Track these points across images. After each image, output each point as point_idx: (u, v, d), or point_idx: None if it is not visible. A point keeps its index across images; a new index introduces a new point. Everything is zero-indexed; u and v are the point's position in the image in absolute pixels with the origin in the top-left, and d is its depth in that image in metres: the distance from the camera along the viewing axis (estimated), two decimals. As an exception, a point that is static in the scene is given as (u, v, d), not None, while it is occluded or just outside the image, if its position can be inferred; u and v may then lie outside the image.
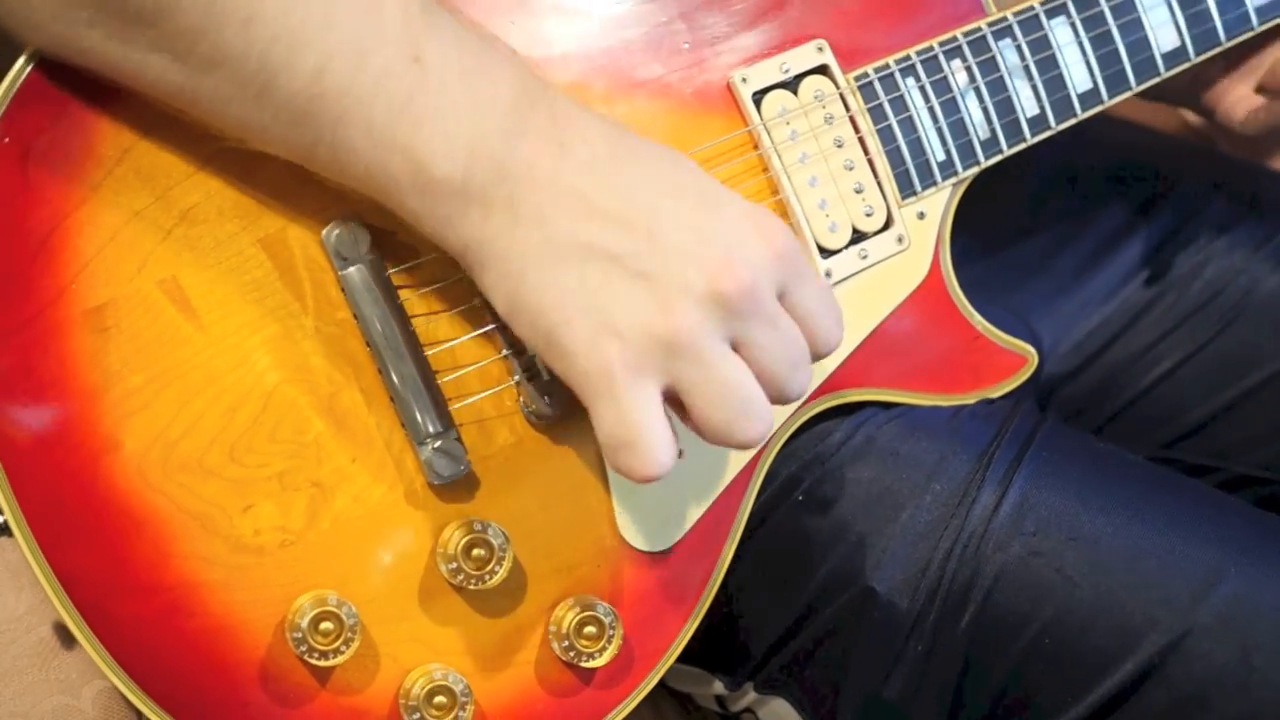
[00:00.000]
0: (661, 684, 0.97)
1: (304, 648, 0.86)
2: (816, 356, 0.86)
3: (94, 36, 0.80)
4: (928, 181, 1.02)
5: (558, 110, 0.82)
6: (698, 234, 0.81)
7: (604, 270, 0.80)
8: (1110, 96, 1.07)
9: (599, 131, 0.83)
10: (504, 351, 0.91)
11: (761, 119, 0.98)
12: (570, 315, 0.80)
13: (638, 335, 0.80)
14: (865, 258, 1.01)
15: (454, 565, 0.89)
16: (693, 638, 0.97)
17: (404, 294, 0.89)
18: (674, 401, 0.83)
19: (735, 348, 0.82)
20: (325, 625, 0.86)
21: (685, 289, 0.80)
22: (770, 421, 0.84)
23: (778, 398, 0.84)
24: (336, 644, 0.86)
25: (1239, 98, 1.16)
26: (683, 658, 0.98)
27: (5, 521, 0.84)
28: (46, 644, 0.98)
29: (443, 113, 0.80)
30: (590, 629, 0.92)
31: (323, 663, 0.86)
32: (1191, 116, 1.31)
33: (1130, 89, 1.07)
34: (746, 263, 0.81)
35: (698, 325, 0.80)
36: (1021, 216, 1.27)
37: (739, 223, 0.83)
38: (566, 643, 0.92)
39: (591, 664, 0.92)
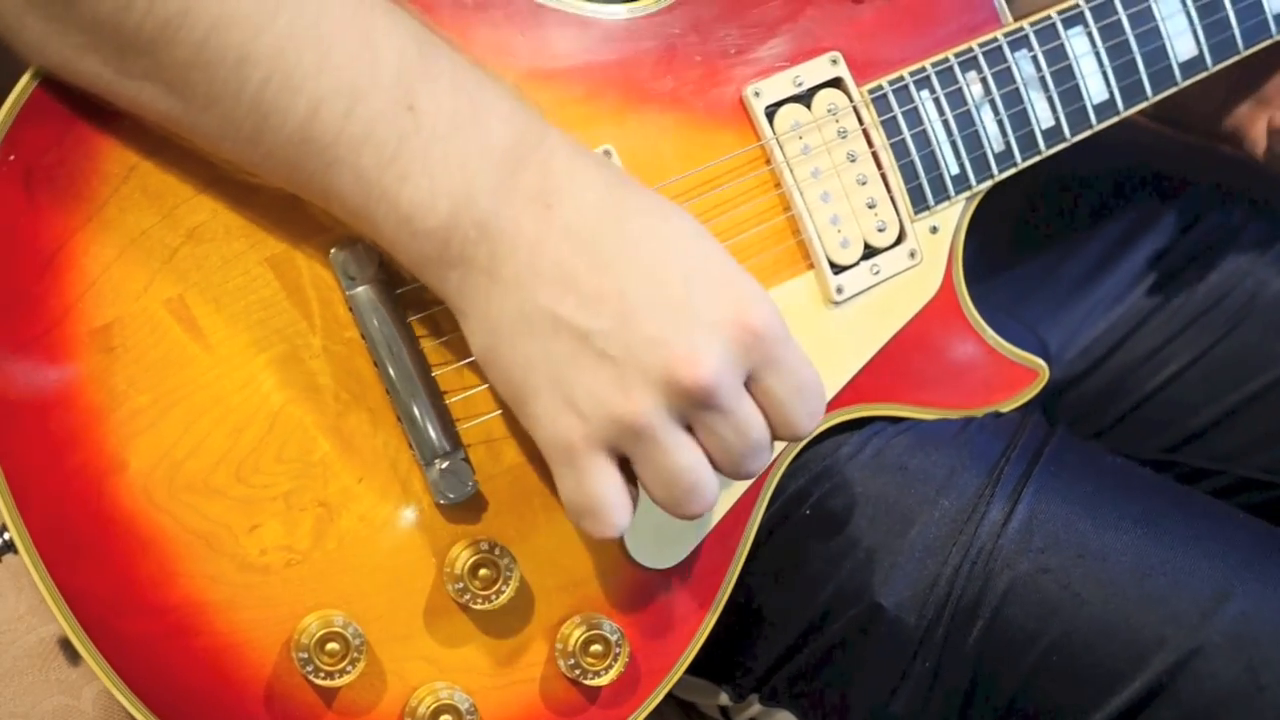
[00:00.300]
0: (667, 693, 0.97)
1: (310, 668, 0.86)
2: (783, 440, 0.85)
3: (91, 62, 0.79)
4: (941, 196, 1.01)
5: (551, 164, 0.81)
6: (668, 320, 0.80)
7: (571, 346, 0.80)
8: (1127, 107, 1.06)
9: (591, 190, 0.81)
10: (512, 371, 0.90)
11: (774, 133, 0.97)
12: (537, 385, 0.81)
13: (596, 413, 0.80)
14: (877, 273, 1.00)
15: (460, 585, 0.89)
16: (699, 648, 0.97)
17: (411, 314, 0.88)
18: (628, 467, 0.84)
19: (690, 429, 0.82)
20: (331, 645, 0.86)
21: (645, 375, 0.80)
22: (716, 496, 0.84)
23: (732, 476, 0.84)
24: (342, 664, 0.86)
25: (1264, 128, 1.14)
26: (688, 668, 0.97)
27: (10, 539, 0.83)
28: (47, 644, 0.98)
29: (430, 167, 0.79)
30: (596, 647, 0.92)
31: (328, 683, 0.86)
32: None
33: (1147, 99, 1.06)
34: (711, 356, 0.80)
35: (653, 412, 0.80)
36: (1027, 221, 1.27)
37: (716, 306, 0.81)
38: (572, 660, 0.92)
39: (597, 681, 0.92)
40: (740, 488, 0.97)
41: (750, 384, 0.82)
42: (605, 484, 0.82)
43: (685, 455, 0.82)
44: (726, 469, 0.84)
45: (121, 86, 0.80)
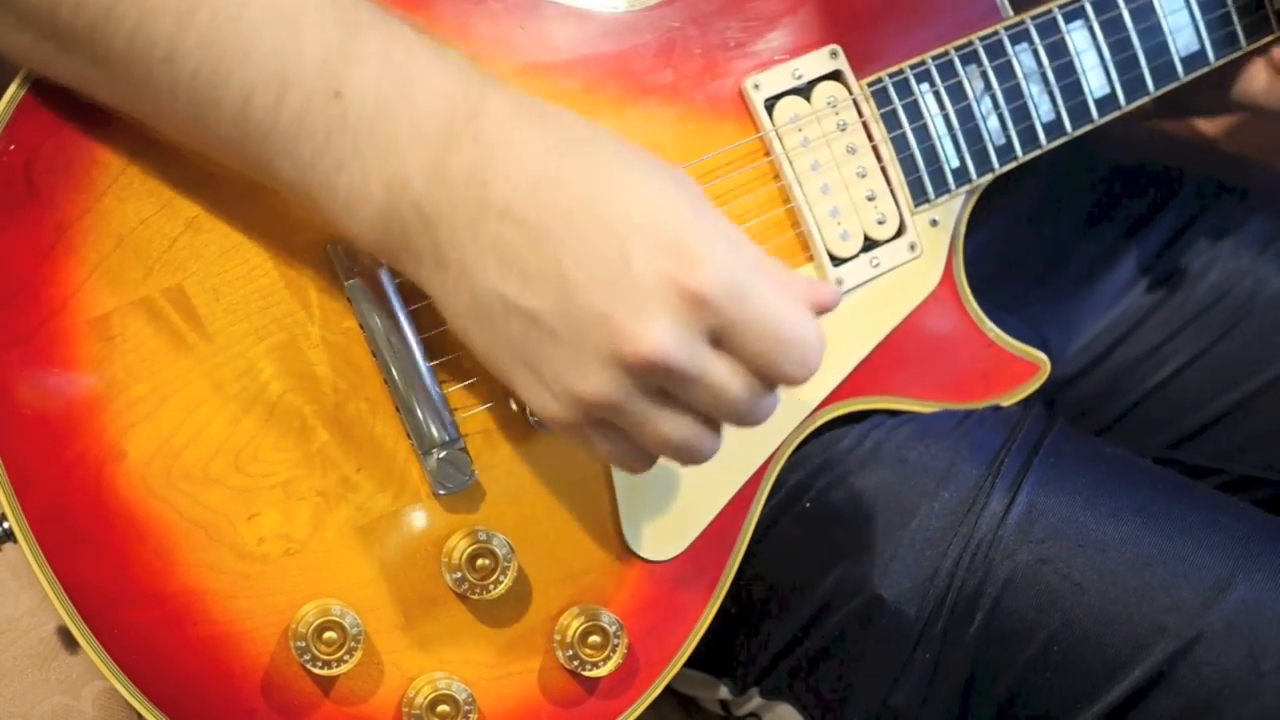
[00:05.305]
0: (666, 687, 0.97)
1: (307, 657, 0.86)
2: (787, 384, 0.81)
3: (39, 56, 0.81)
4: (941, 189, 1.01)
5: (484, 136, 0.77)
6: (608, 293, 0.76)
7: (524, 327, 0.78)
8: (1128, 102, 1.05)
9: (528, 160, 0.77)
10: (510, 361, 0.90)
11: (773, 126, 0.97)
12: (510, 367, 0.80)
13: (564, 394, 0.79)
14: (877, 266, 1.00)
15: (458, 575, 0.89)
16: (699, 641, 0.97)
17: (409, 305, 0.88)
18: None
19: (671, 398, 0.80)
20: (329, 634, 0.86)
21: (595, 354, 0.77)
22: (717, 445, 0.82)
23: (740, 426, 0.82)
24: (340, 653, 0.86)
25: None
26: (688, 662, 0.97)
27: (9, 528, 0.84)
28: (47, 644, 0.98)
29: (361, 153, 0.78)
30: (595, 638, 0.92)
31: (326, 671, 0.86)
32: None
33: (1149, 94, 1.06)
34: (655, 328, 0.76)
35: (613, 391, 0.78)
36: (1027, 219, 1.26)
37: (657, 272, 0.76)
38: (571, 652, 0.92)
39: (595, 673, 0.92)
40: (741, 477, 0.97)
41: (720, 342, 0.78)
42: (611, 445, 0.82)
43: (664, 424, 0.80)
44: (731, 421, 0.81)
45: (74, 74, 0.81)
